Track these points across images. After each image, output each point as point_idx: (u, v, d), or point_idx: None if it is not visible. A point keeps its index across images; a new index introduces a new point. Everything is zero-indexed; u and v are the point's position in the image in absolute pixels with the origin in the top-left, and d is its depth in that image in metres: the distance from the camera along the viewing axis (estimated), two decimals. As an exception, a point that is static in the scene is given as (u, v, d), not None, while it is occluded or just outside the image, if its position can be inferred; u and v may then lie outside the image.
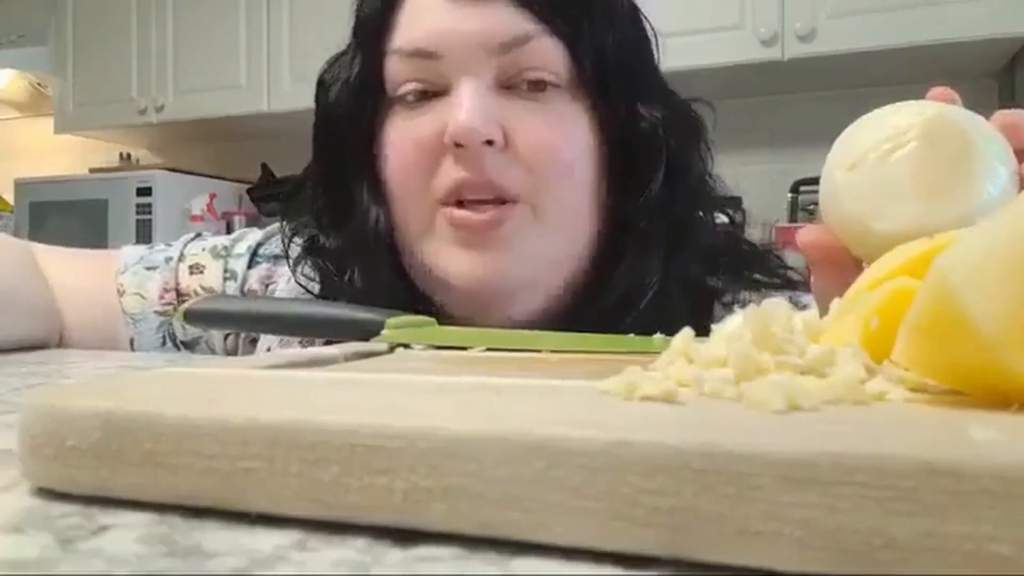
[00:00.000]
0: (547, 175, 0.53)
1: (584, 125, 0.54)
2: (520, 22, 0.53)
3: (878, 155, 0.35)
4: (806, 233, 0.39)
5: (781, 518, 0.15)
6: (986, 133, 0.35)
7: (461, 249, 0.53)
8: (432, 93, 0.54)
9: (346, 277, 0.59)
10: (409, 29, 0.55)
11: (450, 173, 0.52)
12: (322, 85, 0.61)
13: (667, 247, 0.55)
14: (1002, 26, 1.91)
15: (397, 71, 0.55)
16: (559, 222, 0.54)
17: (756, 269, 0.61)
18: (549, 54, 0.53)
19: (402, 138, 0.55)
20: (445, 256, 0.54)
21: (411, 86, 0.54)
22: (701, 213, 0.60)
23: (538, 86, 0.53)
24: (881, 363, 0.23)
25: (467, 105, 0.51)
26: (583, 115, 0.54)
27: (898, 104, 0.37)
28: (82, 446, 0.20)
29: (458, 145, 0.51)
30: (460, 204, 0.53)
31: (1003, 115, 0.37)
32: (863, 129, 0.36)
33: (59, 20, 3.04)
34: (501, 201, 0.53)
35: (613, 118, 0.55)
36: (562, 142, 0.53)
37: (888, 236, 0.33)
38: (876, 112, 0.37)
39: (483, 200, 0.52)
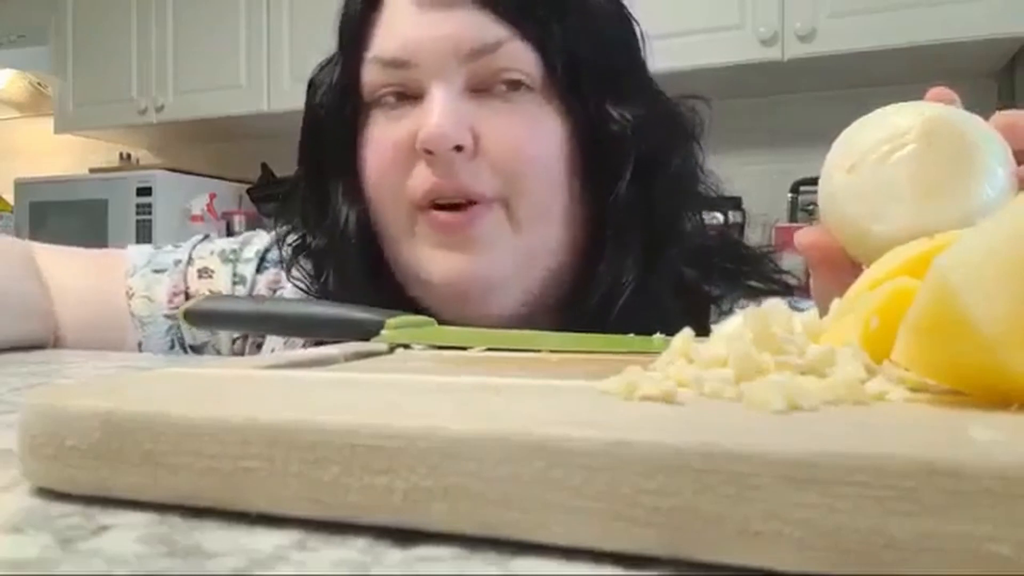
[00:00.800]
0: (518, 176, 0.54)
1: (556, 126, 0.55)
2: (490, 28, 0.53)
3: (877, 156, 0.35)
4: (804, 234, 0.39)
5: (781, 518, 0.15)
6: (985, 134, 0.35)
7: (438, 250, 0.54)
8: (409, 97, 0.55)
9: (323, 278, 0.60)
10: (384, 38, 0.56)
11: (423, 178, 0.53)
12: (311, 87, 0.62)
13: (647, 246, 0.55)
14: (1002, 26, 1.91)
15: (374, 78, 0.56)
16: (532, 222, 0.54)
17: (753, 274, 0.61)
18: (520, 58, 0.54)
19: (379, 142, 0.56)
20: (423, 257, 0.55)
21: (387, 90, 0.55)
22: (690, 213, 0.60)
23: (511, 86, 0.54)
24: (881, 363, 0.23)
25: (437, 111, 0.52)
26: (555, 116, 0.55)
27: (897, 105, 0.37)
28: (82, 446, 0.20)
29: (428, 152, 0.52)
30: (435, 207, 0.54)
31: (1002, 116, 0.37)
32: (861, 131, 0.36)
33: (59, 20, 3.04)
34: (474, 203, 0.53)
35: (585, 119, 0.55)
36: (533, 143, 0.54)
37: (886, 237, 0.33)
38: (875, 113, 0.37)
39: (456, 204, 0.53)
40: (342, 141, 0.58)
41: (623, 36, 0.58)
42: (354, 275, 0.58)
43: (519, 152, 0.53)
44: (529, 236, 0.55)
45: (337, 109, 0.59)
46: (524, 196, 0.54)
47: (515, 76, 0.54)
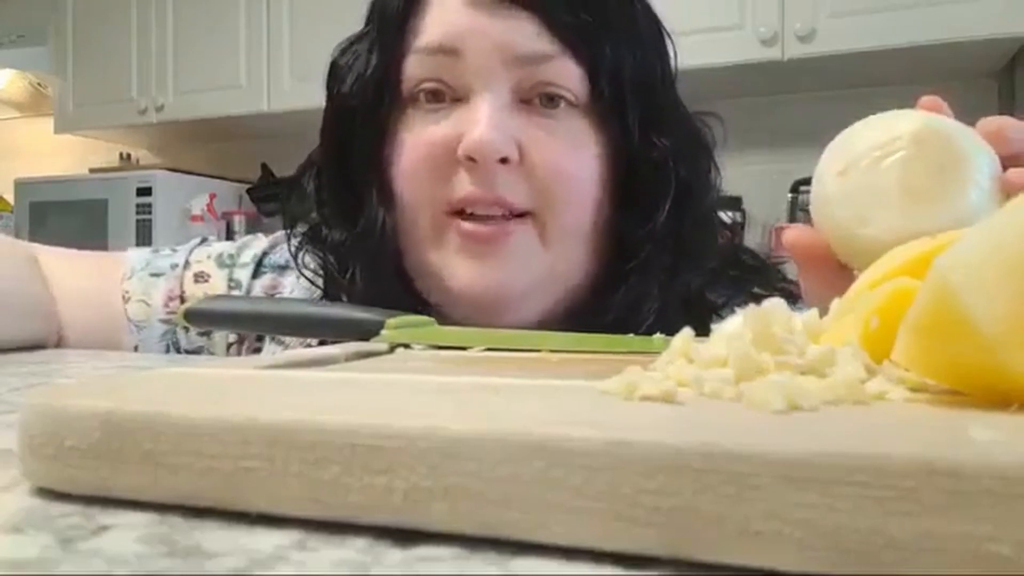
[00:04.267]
0: (557, 194, 0.53)
1: (596, 148, 0.54)
2: (541, 41, 0.53)
3: (868, 162, 0.35)
4: (791, 232, 0.39)
5: (781, 518, 0.15)
6: (973, 142, 0.36)
7: (466, 259, 0.54)
8: (449, 97, 0.54)
9: (347, 274, 0.59)
10: (432, 27, 0.55)
11: (460, 186, 0.53)
12: (335, 70, 0.60)
13: (668, 273, 0.55)
14: (1002, 26, 1.91)
15: (416, 70, 0.55)
16: (562, 239, 0.54)
17: (757, 282, 0.60)
18: (568, 74, 0.53)
19: (415, 143, 0.55)
20: (450, 265, 0.54)
21: (429, 86, 0.54)
22: (706, 236, 0.60)
23: (554, 102, 0.53)
24: (881, 363, 0.23)
25: (485, 121, 0.51)
26: (596, 137, 0.54)
27: (888, 113, 0.37)
28: (82, 446, 0.20)
29: (472, 159, 0.51)
30: (467, 215, 0.53)
31: (989, 122, 0.37)
32: (854, 136, 0.37)
33: (59, 20, 3.04)
34: (509, 215, 0.53)
35: (626, 143, 0.55)
36: (573, 162, 0.54)
37: (874, 241, 0.34)
38: (867, 120, 0.37)
39: (490, 215, 0.53)
40: (372, 136, 0.57)
41: (664, 61, 0.58)
42: (385, 275, 0.57)
43: (559, 169, 0.53)
44: (556, 253, 0.54)
45: (370, 103, 0.57)
46: (558, 213, 0.53)
47: (560, 92, 0.53)
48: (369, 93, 0.57)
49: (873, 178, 0.35)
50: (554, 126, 0.53)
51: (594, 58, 0.53)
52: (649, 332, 0.41)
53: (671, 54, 0.59)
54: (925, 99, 0.39)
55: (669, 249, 0.55)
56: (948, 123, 0.36)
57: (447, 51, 0.53)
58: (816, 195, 0.38)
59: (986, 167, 0.35)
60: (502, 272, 0.53)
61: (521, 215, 0.53)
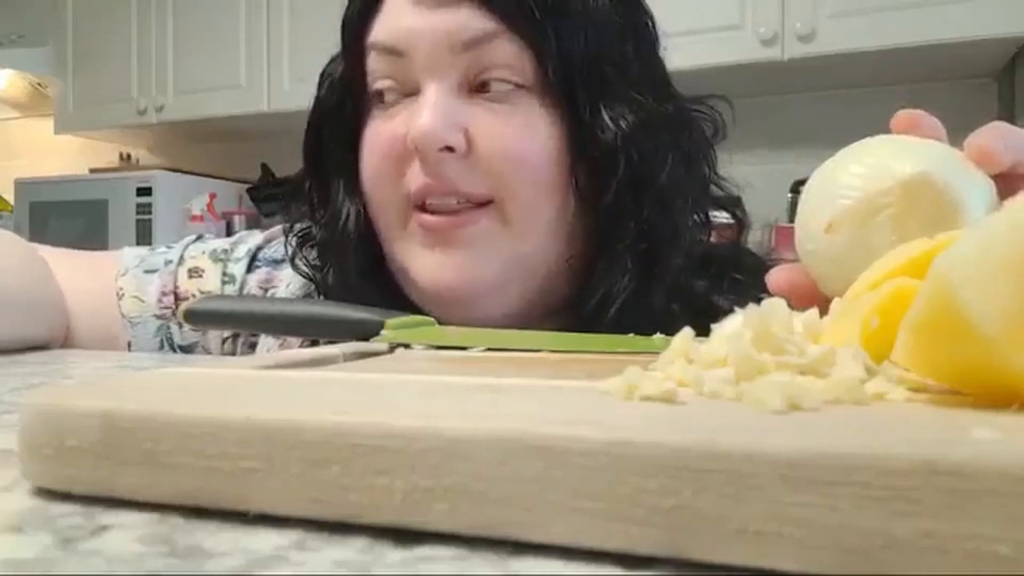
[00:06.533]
0: (511, 179, 0.53)
1: (550, 129, 0.54)
2: (483, 21, 0.52)
3: (855, 218, 0.34)
4: (775, 277, 0.39)
5: (781, 518, 0.15)
6: (966, 182, 0.34)
7: (428, 251, 0.54)
8: (403, 92, 0.55)
9: (324, 271, 0.60)
10: (380, 27, 0.56)
11: (416, 177, 0.53)
12: (320, 78, 0.62)
13: (643, 255, 0.54)
14: (1002, 26, 1.91)
15: (373, 68, 0.56)
16: (524, 227, 0.54)
17: (760, 286, 0.60)
18: (513, 55, 0.53)
19: (375, 139, 0.56)
20: (414, 257, 0.55)
21: (384, 83, 0.55)
22: (694, 218, 0.59)
23: (506, 85, 0.53)
24: (881, 363, 0.23)
25: (427, 110, 0.52)
26: (550, 119, 0.54)
27: (867, 146, 0.36)
28: (82, 446, 0.20)
29: (419, 150, 0.52)
30: (426, 207, 0.53)
31: (973, 145, 0.35)
32: (834, 184, 0.35)
33: (59, 20, 3.04)
34: (469, 205, 0.53)
35: (580, 123, 0.54)
36: (524, 145, 0.53)
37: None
38: (845, 157, 0.36)
39: (449, 205, 0.53)
40: (343, 136, 0.58)
41: (625, 40, 0.56)
42: (352, 271, 0.58)
43: (510, 153, 0.52)
44: (521, 242, 0.54)
45: (339, 103, 0.59)
46: (515, 199, 0.53)
47: (508, 75, 0.53)
48: (339, 93, 0.59)
49: (863, 236, 0.34)
50: (506, 111, 0.53)
51: (539, 36, 0.53)
52: (652, 331, 0.41)
53: (647, 36, 0.58)
54: (901, 115, 0.37)
55: (634, 230, 0.54)
56: (937, 165, 0.34)
57: (393, 52, 0.54)
58: (803, 248, 0.37)
59: (981, 206, 0.33)
60: (465, 263, 0.53)
61: (482, 205, 0.53)
